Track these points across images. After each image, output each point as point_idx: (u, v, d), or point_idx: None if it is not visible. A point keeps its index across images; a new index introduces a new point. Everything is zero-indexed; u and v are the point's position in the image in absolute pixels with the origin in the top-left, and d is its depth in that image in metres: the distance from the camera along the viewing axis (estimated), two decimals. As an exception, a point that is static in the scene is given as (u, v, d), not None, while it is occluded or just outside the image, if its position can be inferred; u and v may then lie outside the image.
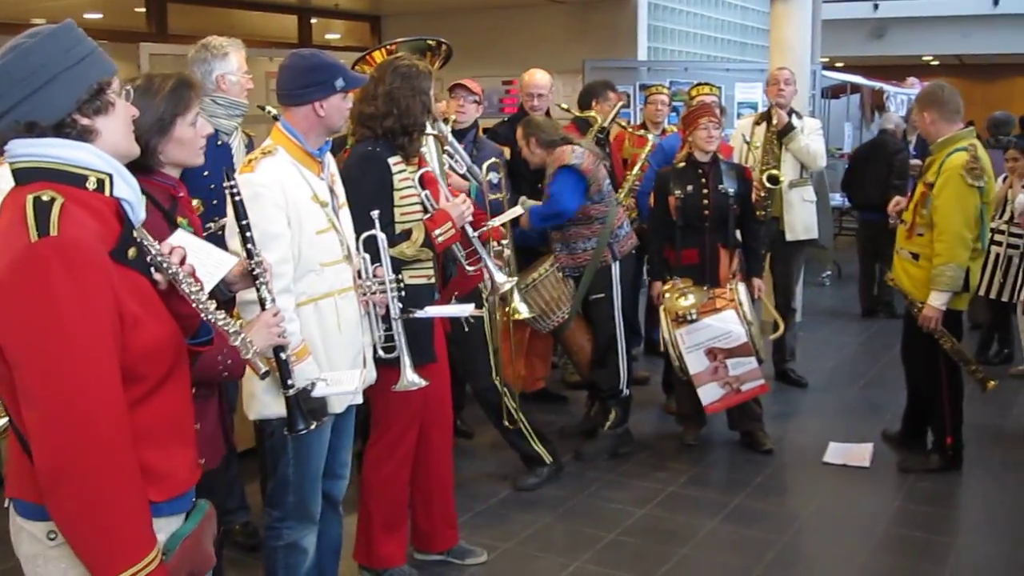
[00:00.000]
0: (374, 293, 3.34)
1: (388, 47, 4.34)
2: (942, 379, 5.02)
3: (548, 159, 5.16)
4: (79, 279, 1.81)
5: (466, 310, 3.90)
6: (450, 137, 4.67)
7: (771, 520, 4.64)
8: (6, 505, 2.04)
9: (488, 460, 5.37)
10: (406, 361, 3.43)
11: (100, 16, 10.06)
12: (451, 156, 4.39)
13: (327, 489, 3.42)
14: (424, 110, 3.70)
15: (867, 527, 4.57)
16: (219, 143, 4.02)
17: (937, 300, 4.77)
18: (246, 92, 4.15)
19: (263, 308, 2.45)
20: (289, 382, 2.45)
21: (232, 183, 2.51)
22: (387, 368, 3.46)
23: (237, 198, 2.50)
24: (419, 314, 3.55)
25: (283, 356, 2.46)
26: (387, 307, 3.37)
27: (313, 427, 2.57)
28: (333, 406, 3.22)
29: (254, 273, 2.43)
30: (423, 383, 3.47)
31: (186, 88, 2.63)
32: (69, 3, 9.36)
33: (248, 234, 2.46)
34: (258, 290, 2.45)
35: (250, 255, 2.45)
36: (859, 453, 5.33)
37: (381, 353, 3.42)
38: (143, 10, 9.52)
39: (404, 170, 3.70)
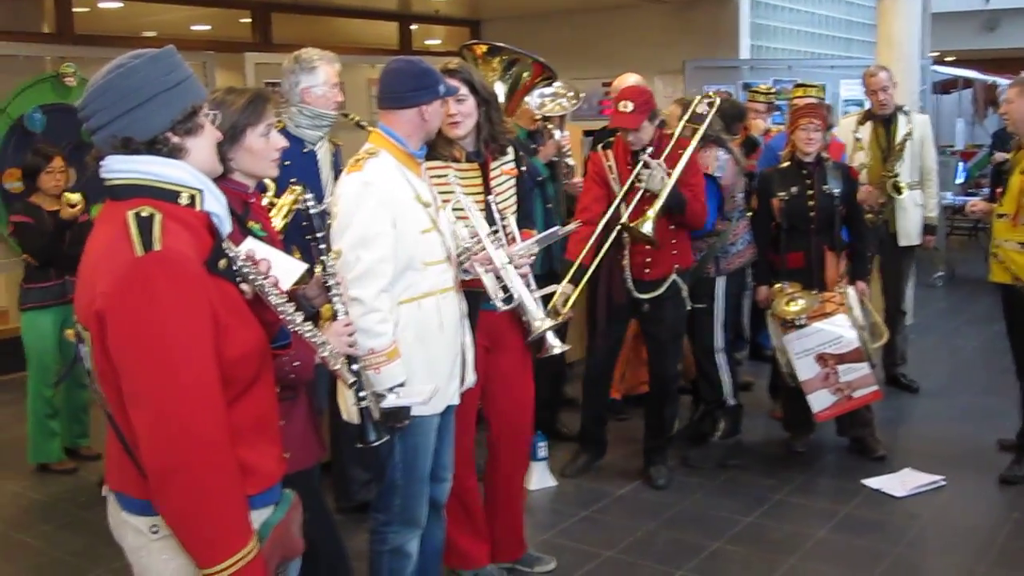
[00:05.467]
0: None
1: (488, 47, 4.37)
2: None
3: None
4: (182, 291, 1.93)
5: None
6: None
7: (883, 530, 4.50)
8: (104, 493, 2.17)
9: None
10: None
11: (207, 28, 10.33)
12: None
13: (430, 493, 3.41)
14: None
15: (983, 540, 4.40)
16: (305, 150, 4.16)
17: None
18: (335, 104, 4.21)
19: (335, 319, 2.51)
20: (361, 394, 2.50)
21: (308, 197, 2.60)
22: None
23: (312, 211, 2.58)
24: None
25: (355, 368, 2.51)
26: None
27: (386, 439, 2.64)
28: (436, 406, 3.23)
29: (327, 285, 2.52)
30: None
31: (260, 101, 2.72)
32: (177, 17, 9.63)
33: (322, 247, 2.55)
34: (331, 301, 2.53)
35: (324, 267, 2.53)
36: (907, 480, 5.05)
37: (501, 305, 3.46)
38: (248, 21, 9.73)
39: (444, 174, 3.59)
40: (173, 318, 1.91)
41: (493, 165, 3.74)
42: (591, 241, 4.64)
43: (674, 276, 4.80)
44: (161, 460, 1.92)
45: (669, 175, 4.61)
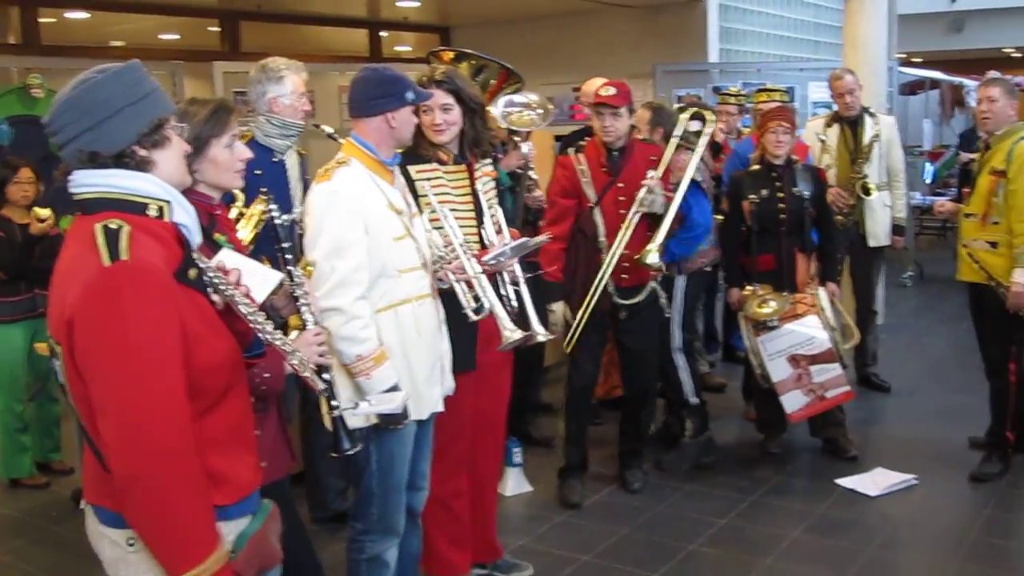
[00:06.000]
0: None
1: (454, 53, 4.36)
2: (1014, 368, 4.93)
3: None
4: (149, 300, 1.94)
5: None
6: None
7: (856, 529, 4.53)
8: (82, 506, 2.18)
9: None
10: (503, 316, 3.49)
11: (176, 37, 10.27)
12: None
13: (407, 501, 3.41)
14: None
15: (956, 537, 4.45)
16: (274, 160, 4.15)
17: (1023, 276, 4.71)
18: (302, 113, 4.19)
19: (304, 329, 2.51)
20: (333, 403, 2.49)
21: (272, 208, 2.60)
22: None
23: (277, 222, 2.58)
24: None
25: (327, 376, 2.51)
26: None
27: (360, 448, 2.60)
28: (413, 413, 3.22)
29: (295, 295, 2.52)
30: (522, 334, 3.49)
31: (224, 112, 2.71)
32: (145, 26, 9.58)
33: (288, 257, 2.54)
34: (299, 312, 2.54)
35: (291, 277, 2.53)
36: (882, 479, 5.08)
37: (472, 315, 3.42)
38: (217, 29, 9.69)
39: (435, 176, 3.63)
40: (138, 327, 1.91)
41: (476, 166, 3.77)
42: (606, 264, 4.63)
43: (653, 284, 4.79)
44: (125, 468, 1.94)
45: (669, 199, 4.63)
